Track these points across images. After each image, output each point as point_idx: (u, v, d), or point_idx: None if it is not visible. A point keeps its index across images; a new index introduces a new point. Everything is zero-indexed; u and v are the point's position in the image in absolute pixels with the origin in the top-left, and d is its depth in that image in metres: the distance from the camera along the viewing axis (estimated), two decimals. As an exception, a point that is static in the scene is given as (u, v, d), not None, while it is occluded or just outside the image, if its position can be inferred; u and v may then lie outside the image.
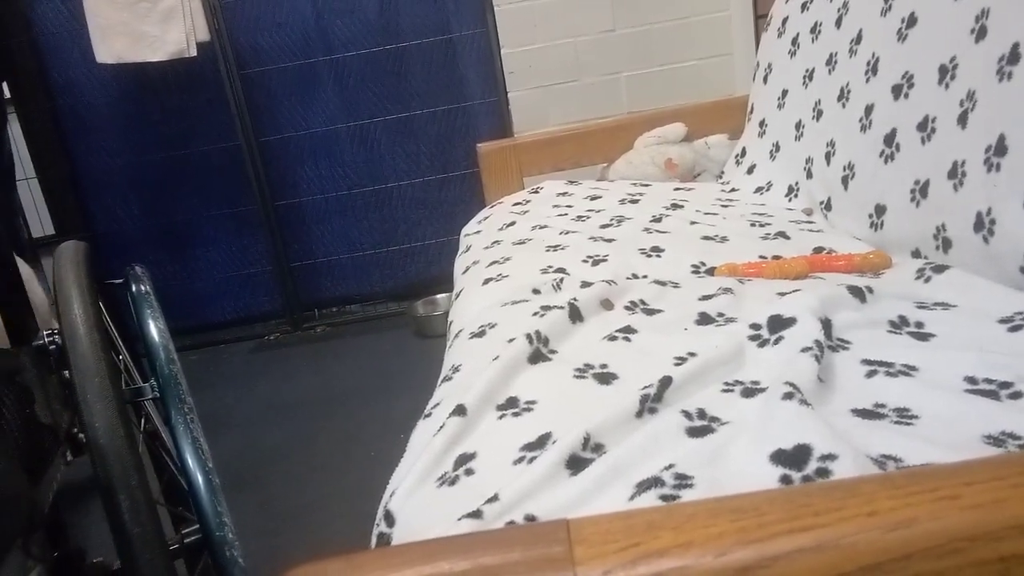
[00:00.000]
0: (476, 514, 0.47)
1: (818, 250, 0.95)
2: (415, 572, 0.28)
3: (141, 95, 2.55)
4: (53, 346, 0.87)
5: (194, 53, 2.31)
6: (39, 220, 2.64)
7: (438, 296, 2.57)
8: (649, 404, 0.55)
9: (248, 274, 2.76)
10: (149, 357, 0.83)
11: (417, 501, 0.52)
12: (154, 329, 0.85)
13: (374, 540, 0.53)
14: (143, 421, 0.97)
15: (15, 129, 2.47)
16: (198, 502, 0.72)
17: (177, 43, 2.29)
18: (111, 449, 0.62)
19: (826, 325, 0.64)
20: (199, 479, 0.73)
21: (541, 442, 0.54)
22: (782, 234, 1.02)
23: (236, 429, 2.00)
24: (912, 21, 0.91)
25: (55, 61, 2.52)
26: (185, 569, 0.88)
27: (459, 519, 0.47)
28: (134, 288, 0.91)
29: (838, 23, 1.11)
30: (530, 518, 0.46)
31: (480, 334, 0.79)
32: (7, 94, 2.42)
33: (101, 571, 0.80)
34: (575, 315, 0.76)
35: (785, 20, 1.33)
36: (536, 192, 1.47)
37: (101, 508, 0.64)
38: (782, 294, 0.74)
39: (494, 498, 0.47)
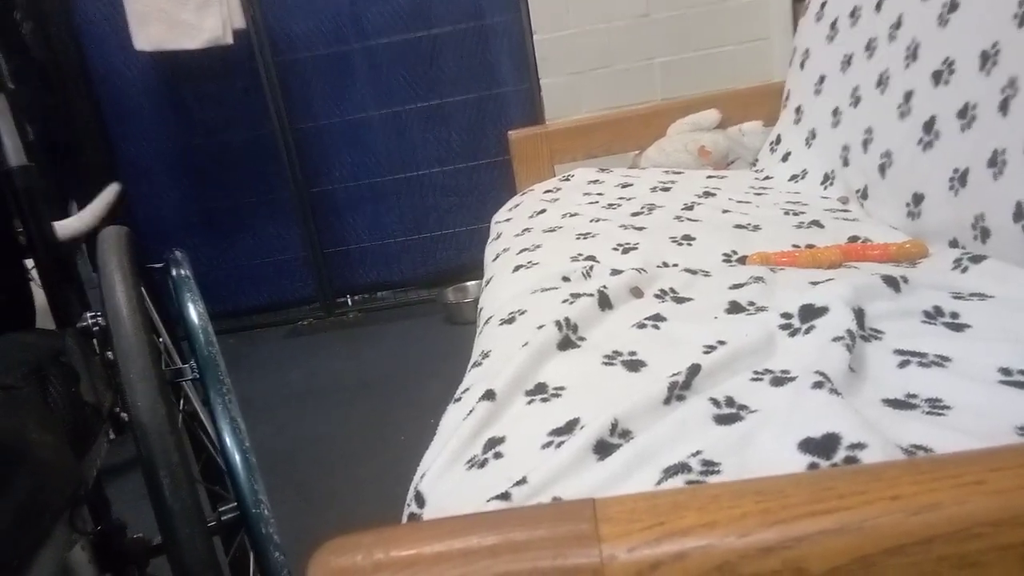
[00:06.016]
0: (505, 496, 0.47)
1: (853, 239, 0.94)
2: (445, 546, 0.29)
3: (178, 82, 2.60)
4: (96, 328, 0.90)
5: (230, 41, 2.34)
6: (81, 206, 2.70)
7: (468, 283, 2.59)
8: (677, 391, 0.56)
9: (282, 260, 2.80)
10: (189, 339, 0.85)
11: (447, 483, 0.53)
12: (194, 312, 0.87)
13: (404, 520, 0.54)
14: (182, 402, 1.00)
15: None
16: (235, 480, 0.74)
17: (213, 31, 2.32)
18: (153, 428, 0.64)
19: (859, 315, 0.64)
20: (236, 458, 0.75)
21: (569, 427, 0.55)
22: (816, 223, 1.01)
23: (270, 412, 2.04)
24: (953, 6, 0.89)
25: (95, 48, 2.57)
26: (222, 546, 0.91)
27: (488, 500, 0.48)
28: (174, 272, 0.93)
29: (878, 7, 1.09)
30: (557, 501, 0.47)
31: (510, 321, 0.79)
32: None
33: (141, 546, 0.83)
34: (604, 303, 0.77)
35: (824, 4, 1.30)
36: (567, 180, 1.47)
37: (141, 485, 0.66)
38: (815, 283, 0.74)
39: (522, 481, 0.48)
